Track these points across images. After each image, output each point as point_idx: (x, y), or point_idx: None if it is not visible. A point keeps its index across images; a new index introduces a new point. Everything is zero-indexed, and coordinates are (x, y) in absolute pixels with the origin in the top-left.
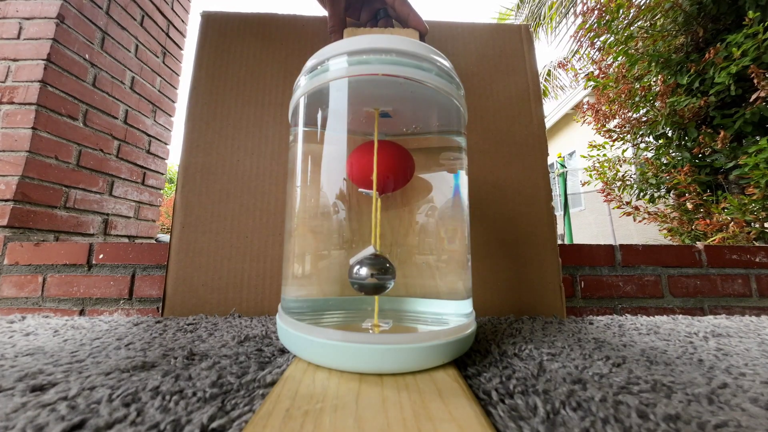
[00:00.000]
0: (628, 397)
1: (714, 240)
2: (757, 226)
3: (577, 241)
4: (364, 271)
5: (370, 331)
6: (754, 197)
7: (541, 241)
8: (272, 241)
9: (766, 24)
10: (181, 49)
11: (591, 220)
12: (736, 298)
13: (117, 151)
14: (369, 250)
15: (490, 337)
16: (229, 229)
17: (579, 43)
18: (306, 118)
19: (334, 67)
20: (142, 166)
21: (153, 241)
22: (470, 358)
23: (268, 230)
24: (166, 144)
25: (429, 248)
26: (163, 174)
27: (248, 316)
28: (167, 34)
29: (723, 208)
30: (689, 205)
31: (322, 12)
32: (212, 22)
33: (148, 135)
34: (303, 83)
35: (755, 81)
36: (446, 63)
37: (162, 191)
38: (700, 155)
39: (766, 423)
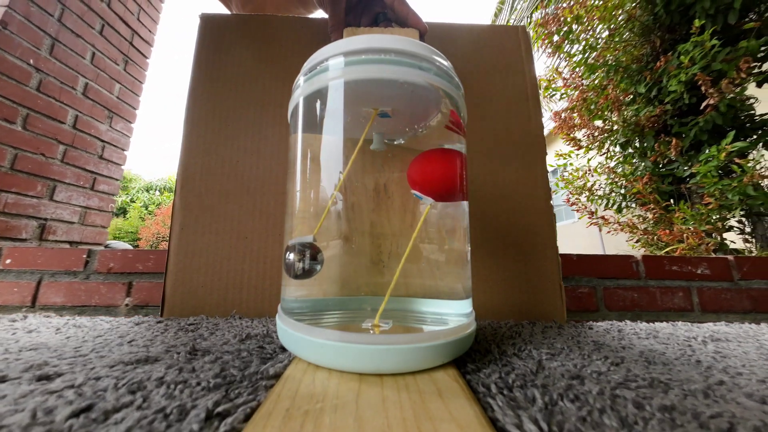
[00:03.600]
0: (625, 391)
1: (676, 251)
2: (717, 237)
3: (562, 252)
4: (292, 256)
5: (370, 332)
6: (710, 207)
7: (541, 240)
8: (272, 242)
9: (710, 31)
10: (146, 57)
11: (584, 231)
12: (677, 312)
13: (62, 156)
14: (307, 239)
15: (489, 338)
16: (229, 229)
17: (546, 53)
18: (305, 119)
19: (333, 67)
20: (92, 171)
21: (101, 247)
22: (470, 358)
23: (268, 231)
24: (123, 150)
25: (429, 248)
26: (117, 180)
27: (249, 317)
28: (131, 43)
29: (683, 219)
30: (650, 215)
31: (321, 14)
32: (211, 23)
33: (102, 140)
34: (302, 83)
35: (703, 89)
36: (446, 63)
37: (115, 197)
38: (661, 164)
39: (759, 414)
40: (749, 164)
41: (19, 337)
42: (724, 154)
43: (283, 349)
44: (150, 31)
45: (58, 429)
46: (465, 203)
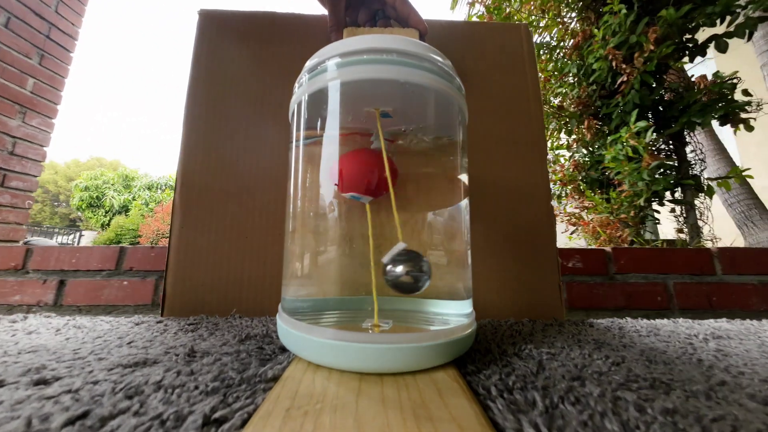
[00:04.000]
0: (626, 393)
1: (597, 243)
2: (633, 227)
3: None
4: (399, 269)
5: (370, 331)
6: (624, 194)
7: (541, 241)
8: (272, 241)
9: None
10: (69, 51)
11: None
12: None
13: None
14: (399, 246)
15: (490, 337)
16: (229, 229)
17: None
18: (305, 119)
19: (332, 68)
20: (0, 168)
21: (18, 244)
22: (470, 357)
23: (268, 230)
24: (41, 146)
25: (429, 248)
26: (35, 176)
27: (248, 316)
28: (47, 37)
29: (605, 207)
30: (572, 204)
31: (321, 10)
32: (210, 20)
33: (12, 136)
34: (302, 83)
35: (614, 64)
36: (447, 63)
37: (33, 193)
38: (588, 149)
39: (762, 417)
40: (641, 146)
41: (19, 339)
42: (627, 135)
43: (283, 350)
44: (73, 24)
45: None
46: (465, 202)
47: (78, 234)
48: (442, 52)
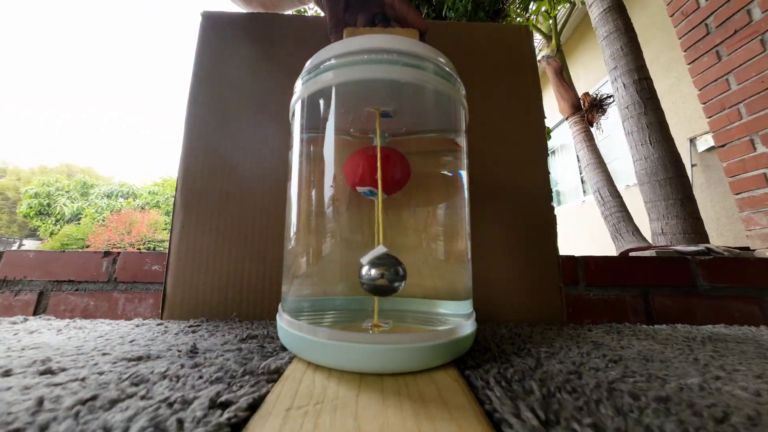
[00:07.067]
0: (622, 384)
1: None
2: None
3: None
4: (374, 272)
5: (370, 331)
6: None
7: (541, 242)
8: (272, 241)
9: None
10: None
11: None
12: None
13: None
14: (380, 250)
15: (489, 338)
16: (229, 229)
17: None
18: (305, 120)
19: (334, 67)
20: None
21: None
22: (470, 357)
23: (268, 230)
24: None
25: (429, 248)
26: None
27: (249, 317)
28: None
29: None
30: None
31: (323, 12)
32: (212, 22)
33: None
34: (302, 84)
35: None
36: (447, 63)
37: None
38: None
39: (754, 405)
40: None
41: (21, 337)
42: None
43: (284, 349)
44: None
45: (65, 416)
46: (465, 203)
47: (19, 243)
48: (442, 52)
